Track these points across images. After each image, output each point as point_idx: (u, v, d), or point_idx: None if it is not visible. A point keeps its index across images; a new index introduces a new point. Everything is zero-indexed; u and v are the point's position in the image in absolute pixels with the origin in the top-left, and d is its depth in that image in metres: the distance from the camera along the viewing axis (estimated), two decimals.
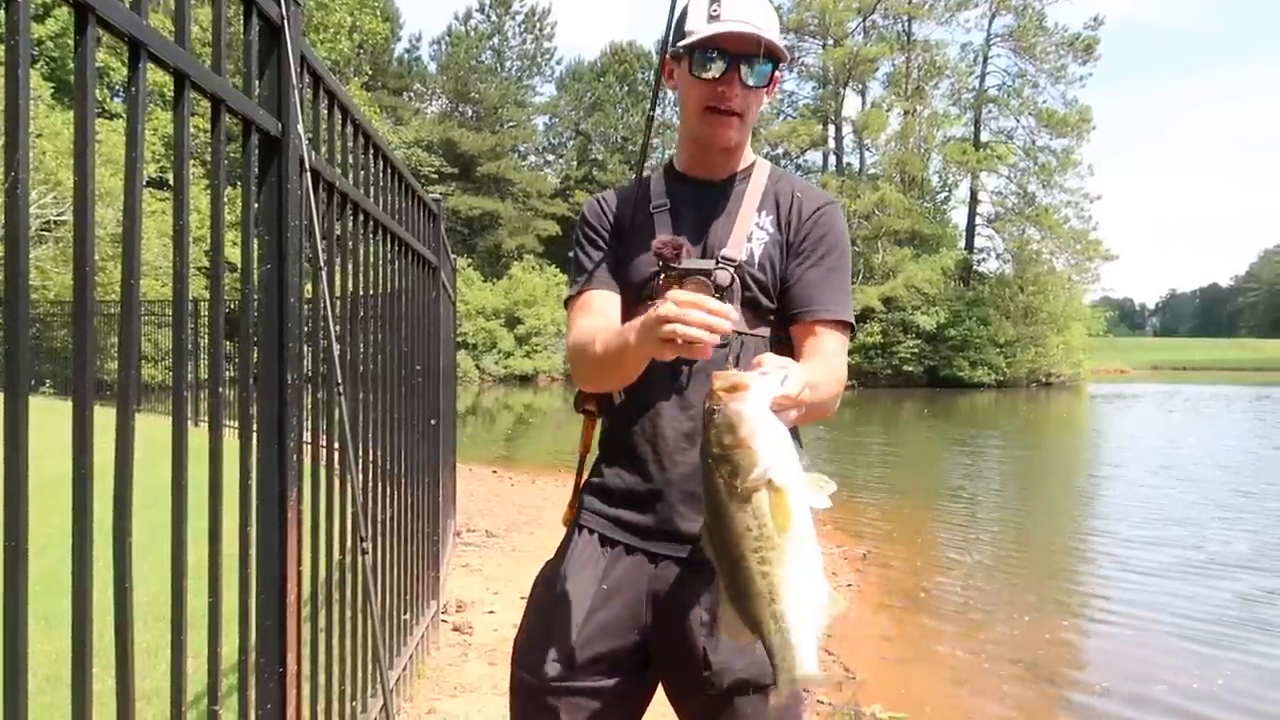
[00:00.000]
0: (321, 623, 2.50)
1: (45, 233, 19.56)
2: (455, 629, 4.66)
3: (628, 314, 1.75)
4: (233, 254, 2.96)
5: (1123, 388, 40.83)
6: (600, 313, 1.76)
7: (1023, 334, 40.64)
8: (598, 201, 1.90)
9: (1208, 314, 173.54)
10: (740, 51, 1.64)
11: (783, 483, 1.25)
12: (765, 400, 1.27)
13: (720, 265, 1.69)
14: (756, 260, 1.73)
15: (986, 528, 9.33)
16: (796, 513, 1.26)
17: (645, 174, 1.90)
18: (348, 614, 2.73)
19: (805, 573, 1.28)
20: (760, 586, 1.28)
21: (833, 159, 47.14)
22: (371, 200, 3.05)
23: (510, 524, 7.71)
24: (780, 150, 47.36)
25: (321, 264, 2.31)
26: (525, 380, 40.60)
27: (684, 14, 1.72)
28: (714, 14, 1.66)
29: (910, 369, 39.56)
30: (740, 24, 1.64)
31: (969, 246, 45.29)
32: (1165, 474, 12.67)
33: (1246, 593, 6.47)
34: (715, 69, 1.66)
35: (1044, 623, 5.77)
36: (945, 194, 47.11)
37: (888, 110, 44.33)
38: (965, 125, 45.41)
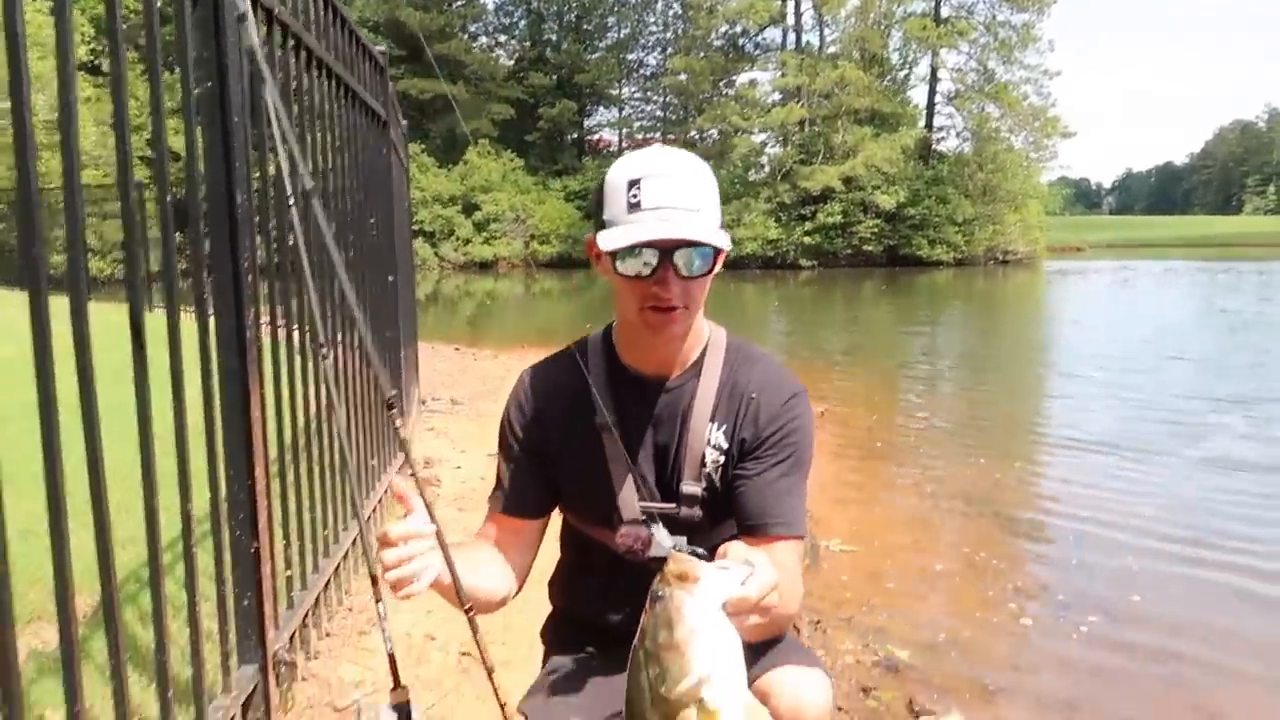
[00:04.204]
0: (292, 473, 2.56)
1: None
2: (424, 481, 4.76)
3: (586, 542, 1.69)
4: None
5: (1077, 264, 41.46)
6: (486, 542, 1.63)
7: (981, 212, 40.76)
8: (530, 410, 1.65)
9: (1162, 192, 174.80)
10: (673, 239, 1.41)
11: (716, 706, 1.02)
12: (717, 599, 1.07)
13: (690, 546, 1.49)
14: (717, 487, 1.60)
15: (942, 391, 9.61)
16: None
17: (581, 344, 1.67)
18: (315, 456, 2.78)
19: None
20: None
21: (792, 36, 46.05)
22: (313, 38, 2.97)
23: (475, 393, 7.79)
24: (739, 28, 46.14)
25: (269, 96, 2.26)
26: (485, 267, 40.25)
27: (601, 187, 1.49)
28: (634, 200, 1.42)
29: (870, 248, 39.70)
30: (667, 211, 1.41)
31: (929, 125, 44.94)
32: (1106, 343, 13.06)
33: (1174, 430, 6.80)
34: (644, 268, 1.43)
35: (994, 466, 6.03)
36: (905, 71, 46.46)
37: None
38: (925, 0, 44.43)
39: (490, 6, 53.41)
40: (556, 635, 1.85)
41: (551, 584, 1.89)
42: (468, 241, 40.81)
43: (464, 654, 2.99)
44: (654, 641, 1.05)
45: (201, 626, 1.88)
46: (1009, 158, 42.39)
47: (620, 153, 52.85)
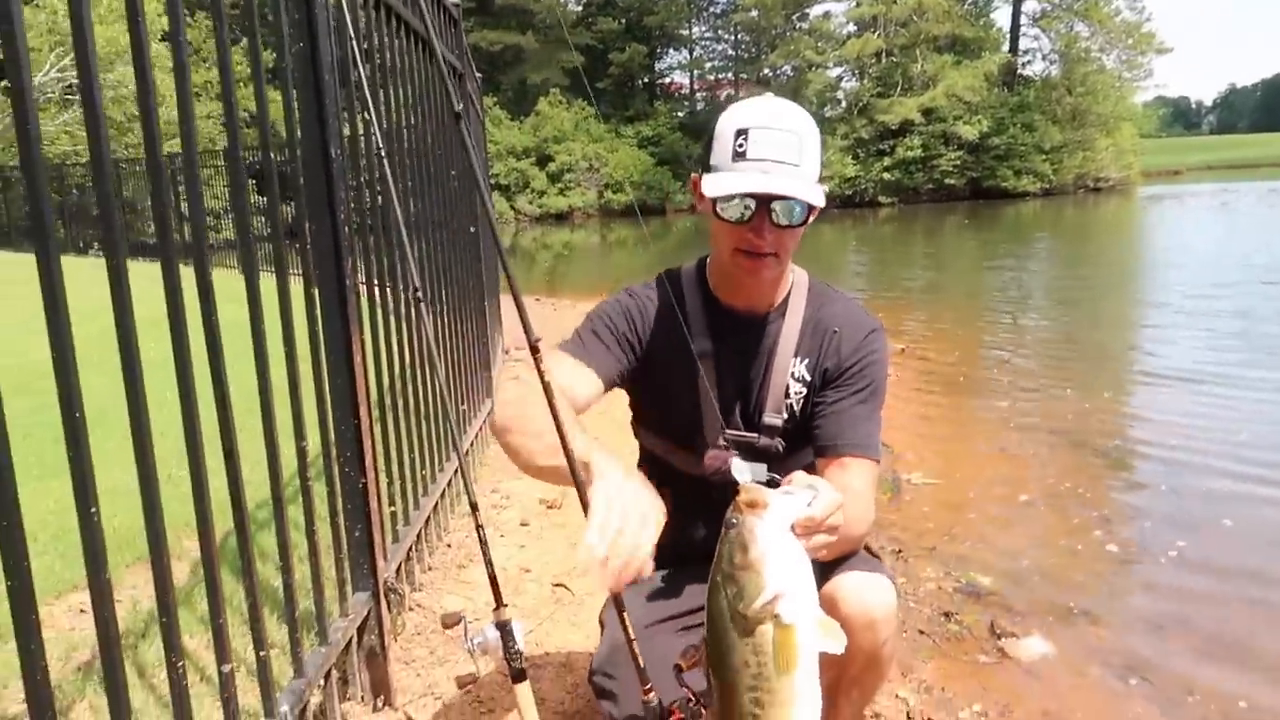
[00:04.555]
0: (391, 417, 2.71)
1: (70, 97, 19.49)
2: None
3: (666, 467, 1.79)
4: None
5: (1174, 188, 39.52)
6: (571, 391, 1.62)
7: (1070, 139, 39.14)
8: (639, 311, 1.75)
9: (1269, 108, 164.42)
10: (770, 193, 1.51)
11: (791, 620, 1.12)
12: (785, 521, 1.15)
13: (769, 473, 1.66)
14: (797, 417, 1.71)
15: (1025, 325, 9.40)
16: (802, 655, 1.13)
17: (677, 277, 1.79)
18: (413, 401, 2.92)
19: None
20: None
21: None
22: None
23: (556, 342, 7.93)
24: None
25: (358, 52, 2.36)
26: (561, 218, 40.44)
27: (712, 135, 1.58)
28: (739, 149, 1.52)
29: (952, 182, 38.54)
30: (770, 164, 1.50)
31: (1013, 49, 43.12)
32: (1198, 269, 12.54)
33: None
34: (744, 212, 1.53)
35: (1080, 398, 5.93)
36: None
37: None
38: None
39: None
40: None
41: None
42: (542, 193, 41.02)
43: (556, 585, 3.14)
44: (730, 564, 1.14)
45: (319, 558, 2.04)
46: (1100, 79, 40.51)
47: (692, 96, 51.90)
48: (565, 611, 2.95)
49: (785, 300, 1.73)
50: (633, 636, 1.38)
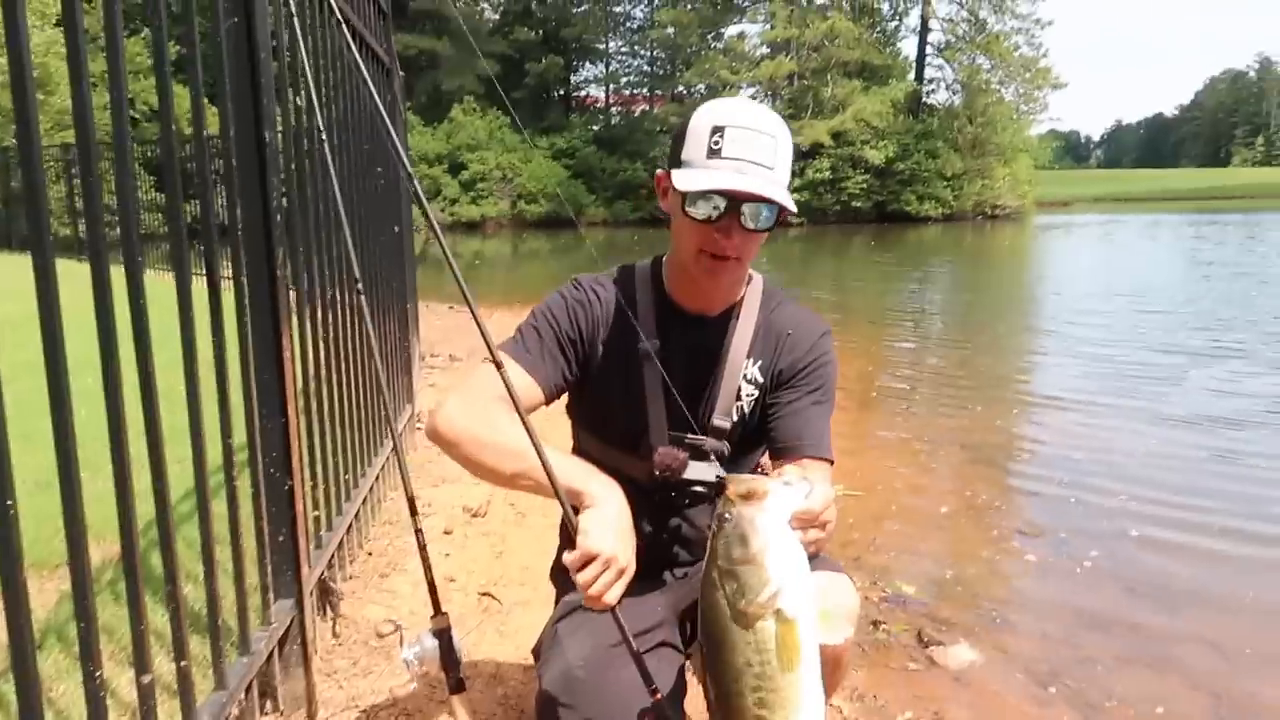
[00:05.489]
0: (316, 418, 2.59)
1: None
2: None
3: (594, 448, 1.74)
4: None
5: (1064, 218, 41.39)
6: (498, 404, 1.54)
7: (970, 167, 40.70)
8: (584, 306, 1.68)
9: (1151, 145, 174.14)
10: (745, 191, 1.47)
11: (794, 614, 1.08)
12: (785, 513, 1.11)
13: (719, 477, 1.53)
14: (746, 418, 1.69)
15: (929, 347, 9.64)
16: (805, 651, 1.09)
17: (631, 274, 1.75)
18: (338, 400, 2.80)
19: None
20: None
21: None
22: None
23: (472, 349, 7.80)
24: None
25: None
26: (472, 227, 39.93)
27: (684, 130, 1.53)
28: (715, 147, 1.48)
29: (859, 204, 39.59)
30: (744, 165, 1.47)
31: (919, 77, 44.73)
32: (1083, 298, 13.15)
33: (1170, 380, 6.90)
34: (712, 212, 1.49)
35: (986, 415, 6.11)
36: (896, 22, 46.14)
37: None
38: None
39: None
40: (567, 574, 1.86)
41: (563, 523, 1.92)
42: (454, 201, 40.45)
43: (483, 594, 3.05)
44: (728, 559, 1.09)
45: (243, 564, 1.92)
46: (999, 110, 42.26)
47: (608, 109, 51.98)
48: (493, 621, 2.86)
49: (739, 302, 1.70)
50: (635, 648, 1.37)
